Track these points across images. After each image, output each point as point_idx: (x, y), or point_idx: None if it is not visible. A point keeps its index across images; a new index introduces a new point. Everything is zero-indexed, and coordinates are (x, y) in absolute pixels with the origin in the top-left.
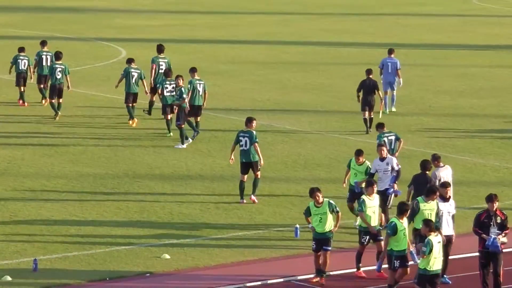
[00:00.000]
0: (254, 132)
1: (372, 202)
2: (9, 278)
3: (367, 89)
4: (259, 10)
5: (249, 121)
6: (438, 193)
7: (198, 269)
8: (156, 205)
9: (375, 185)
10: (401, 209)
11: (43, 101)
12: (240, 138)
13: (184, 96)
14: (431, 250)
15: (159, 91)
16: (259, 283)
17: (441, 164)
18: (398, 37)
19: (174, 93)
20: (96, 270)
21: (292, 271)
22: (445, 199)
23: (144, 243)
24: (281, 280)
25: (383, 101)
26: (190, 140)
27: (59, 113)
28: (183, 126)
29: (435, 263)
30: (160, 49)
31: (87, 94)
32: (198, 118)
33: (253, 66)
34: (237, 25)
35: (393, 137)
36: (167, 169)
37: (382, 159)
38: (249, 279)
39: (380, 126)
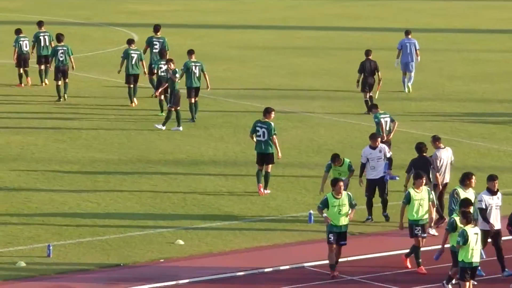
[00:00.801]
0: (272, 124)
1: (419, 195)
2: (23, 264)
3: (368, 70)
4: None
5: (267, 112)
6: (424, 179)
7: (212, 255)
8: (169, 191)
9: (424, 178)
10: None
11: (43, 83)
12: (258, 128)
13: (177, 75)
14: (466, 241)
15: (155, 71)
16: (273, 268)
17: (442, 146)
18: (410, 22)
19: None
20: (109, 255)
21: (306, 257)
22: (492, 192)
23: (157, 228)
24: (295, 265)
25: (379, 84)
26: (163, 128)
27: (66, 94)
28: (173, 109)
29: (474, 254)
30: (156, 29)
31: (99, 79)
32: (196, 99)
33: (265, 52)
34: (249, 10)
35: (388, 119)
36: (180, 154)
37: (374, 147)
38: (263, 265)
39: (374, 107)
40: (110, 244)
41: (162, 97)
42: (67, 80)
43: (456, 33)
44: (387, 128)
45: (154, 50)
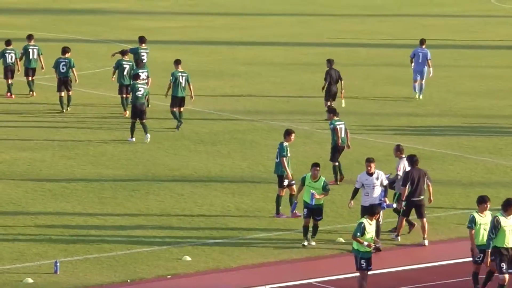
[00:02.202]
0: (284, 144)
1: (483, 219)
2: (30, 280)
3: (333, 79)
4: (277, 11)
5: (286, 133)
6: (489, 203)
7: (219, 271)
8: (176, 207)
9: (489, 202)
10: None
11: (31, 93)
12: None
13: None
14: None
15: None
16: (280, 284)
17: (403, 156)
18: (417, 38)
19: (146, 81)
20: (116, 272)
21: (313, 272)
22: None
23: (164, 244)
24: (302, 281)
25: (342, 92)
26: (146, 138)
27: (69, 107)
28: (133, 120)
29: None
30: (142, 40)
31: (106, 96)
32: (182, 109)
33: (272, 68)
34: (255, 26)
35: (343, 126)
36: (187, 170)
37: (370, 174)
38: (270, 281)
39: (333, 112)
40: (117, 261)
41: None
42: (70, 93)
43: (463, 49)
44: (342, 135)
45: (143, 61)
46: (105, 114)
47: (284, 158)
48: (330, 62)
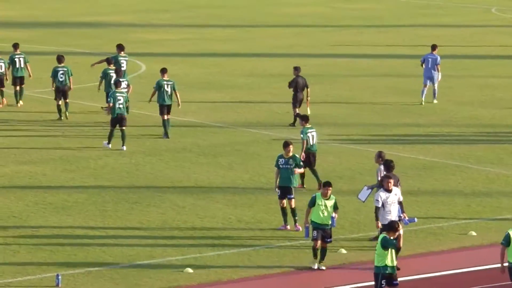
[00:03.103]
0: (279, 155)
1: None
2: None
3: (300, 86)
4: (276, 23)
5: (283, 146)
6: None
7: (221, 283)
8: (178, 219)
9: None
10: None
11: (18, 104)
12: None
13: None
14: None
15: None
16: None
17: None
18: (417, 49)
19: (126, 89)
20: (118, 284)
21: (316, 283)
22: None
23: (166, 257)
24: None
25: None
26: (123, 147)
27: (67, 112)
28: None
29: None
30: (120, 48)
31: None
32: (168, 116)
33: (271, 79)
34: (254, 38)
35: (314, 133)
36: (188, 182)
37: (389, 190)
38: None
39: (305, 118)
40: (119, 273)
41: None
42: (67, 100)
43: (463, 59)
44: (314, 142)
45: (122, 69)
46: (106, 127)
47: (276, 169)
48: (297, 69)
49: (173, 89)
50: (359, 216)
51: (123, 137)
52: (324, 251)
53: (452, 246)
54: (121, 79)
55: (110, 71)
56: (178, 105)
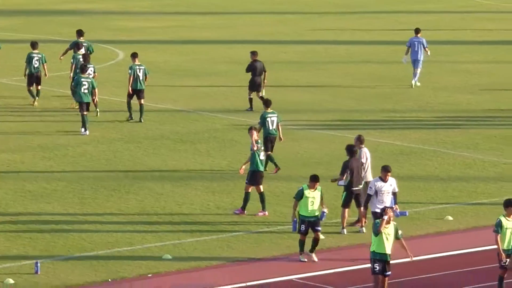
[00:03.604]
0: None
1: (510, 223)
2: (11, 281)
3: (259, 70)
4: (256, 10)
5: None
6: None
7: (199, 269)
8: (156, 206)
9: None
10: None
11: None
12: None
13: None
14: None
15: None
16: (261, 282)
17: (363, 146)
18: (397, 35)
19: (92, 75)
20: (98, 271)
21: (294, 269)
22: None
23: (145, 243)
24: (283, 278)
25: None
26: (87, 132)
27: (37, 98)
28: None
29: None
30: (79, 33)
31: None
32: (142, 101)
33: None
34: (235, 25)
35: (275, 118)
36: (167, 169)
37: (385, 180)
38: (251, 278)
39: (266, 103)
40: (98, 260)
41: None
42: (39, 87)
43: (440, 44)
44: (273, 127)
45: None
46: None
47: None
48: (254, 54)
49: (145, 73)
50: (337, 202)
51: (86, 121)
52: (316, 241)
53: (429, 231)
54: (88, 65)
55: (79, 56)
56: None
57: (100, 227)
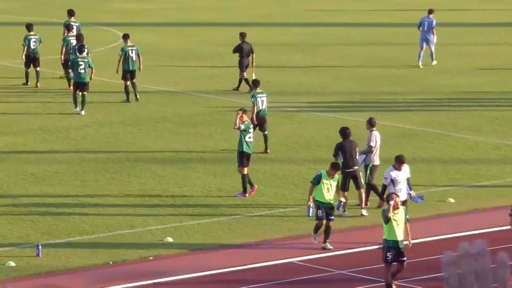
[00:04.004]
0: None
1: None
2: (12, 264)
3: (245, 52)
4: None
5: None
6: None
7: (201, 252)
8: (158, 189)
9: None
10: None
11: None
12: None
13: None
14: None
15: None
16: (262, 264)
17: (374, 129)
18: (397, 17)
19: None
20: (99, 254)
21: (295, 252)
22: None
23: (146, 226)
24: (284, 261)
25: (253, 65)
26: (81, 112)
27: (38, 81)
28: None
29: None
30: (70, 13)
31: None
32: (134, 80)
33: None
34: (235, 7)
35: (264, 98)
36: (169, 152)
37: (400, 169)
38: (252, 261)
39: (255, 83)
40: (99, 243)
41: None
42: (38, 69)
43: (443, 27)
44: (263, 107)
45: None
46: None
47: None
48: (242, 35)
49: (138, 54)
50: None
51: (83, 102)
52: (328, 229)
53: (431, 213)
54: (85, 45)
55: (70, 38)
56: (139, 69)
57: (102, 210)
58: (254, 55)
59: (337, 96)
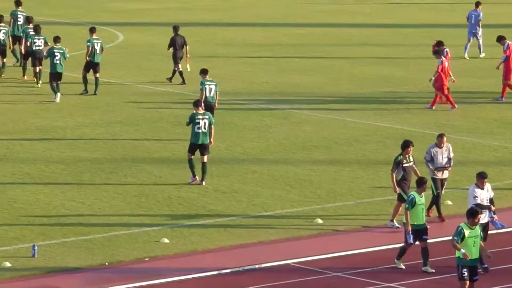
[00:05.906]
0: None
1: None
2: (8, 264)
3: (178, 44)
4: None
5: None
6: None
7: (197, 253)
8: (154, 189)
9: None
10: None
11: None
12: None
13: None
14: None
15: (27, 43)
16: (258, 266)
17: (442, 145)
18: (397, 18)
19: (43, 46)
20: (94, 255)
21: (291, 253)
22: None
23: (142, 227)
24: (280, 262)
25: (188, 56)
26: (58, 98)
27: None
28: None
29: None
30: (18, 3)
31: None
32: (97, 75)
33: (251, 49)
34: (235, 7)
35: (213, 86)
36: (165, 153)
37: (482, 188)
38: (248, 262)
39: (204, 72)
40: (95, 244)
41: (38, 69)
42: (5, 60)
43: (442, 28)
44: (211, 95)
45: (18, 23)
46: (82, 97)
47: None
48: (175, 29)
49: (102, 47)
50: (335, 186)
51: (57, 90)
52: (426, 251)
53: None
54: (37, 37)
55: (30, 30)
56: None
57: (98, 210)
58: (187, 47)
59: (336, 97)
